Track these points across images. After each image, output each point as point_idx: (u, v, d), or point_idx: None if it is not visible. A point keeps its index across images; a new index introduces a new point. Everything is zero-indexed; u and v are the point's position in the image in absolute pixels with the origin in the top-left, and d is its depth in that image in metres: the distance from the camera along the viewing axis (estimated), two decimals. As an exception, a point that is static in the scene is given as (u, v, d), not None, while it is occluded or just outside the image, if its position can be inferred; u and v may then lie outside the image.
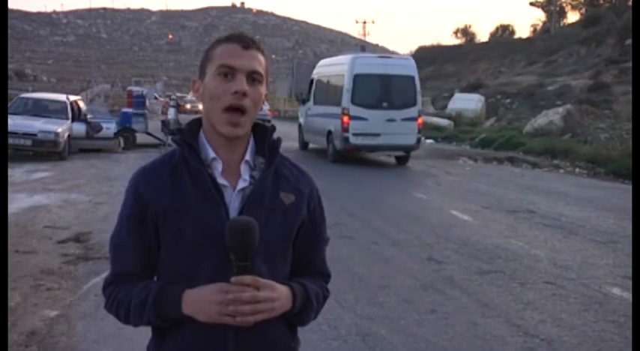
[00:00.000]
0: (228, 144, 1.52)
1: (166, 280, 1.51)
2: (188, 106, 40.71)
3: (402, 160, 15.70)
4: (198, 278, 1.45)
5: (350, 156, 15.68)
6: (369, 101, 14.86)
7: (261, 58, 1.52)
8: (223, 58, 1.48)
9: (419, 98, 15.28)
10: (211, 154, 1.52)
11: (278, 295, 1.44)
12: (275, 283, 1.45)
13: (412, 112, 14.98)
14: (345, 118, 14.79)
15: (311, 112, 17.54)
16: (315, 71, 18.33)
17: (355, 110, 14.79)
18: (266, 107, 25.41)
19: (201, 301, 1.42)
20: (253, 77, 1.49)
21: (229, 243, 1.39)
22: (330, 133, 15.64)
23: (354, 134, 14.77)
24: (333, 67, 16.80)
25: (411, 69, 15.34)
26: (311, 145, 18.14)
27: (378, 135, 14.73)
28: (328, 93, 16.35)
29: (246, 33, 1.55)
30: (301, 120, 18.61)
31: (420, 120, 15.28)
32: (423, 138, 16.50)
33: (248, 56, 1.49)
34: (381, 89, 14.99)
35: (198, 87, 1.55)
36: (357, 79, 14.82)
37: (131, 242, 1.52)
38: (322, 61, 18.62)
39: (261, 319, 1.41)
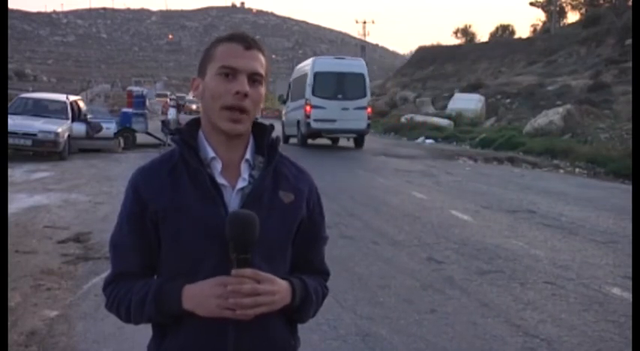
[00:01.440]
0: (228, 143, 1.52)
1: (167, 279, 1.51)
2: (194, 106, 39.56)
3: (358, 143, 18.95)
4: (198, 278, 1.45)
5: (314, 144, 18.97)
6: (327, 93, 18.04)
7: (262, 58, 1.52)
8: (225, 58, 1.48)
9: (368, 91, 18.66)
10: (210, 153, 1.52)
11: (278, 288, 1.45)
12: (275, 277, 1.45)
13: (363, 102, 18.21)
14: (308, 107, 17.96)
15: (288, 109, 20.91)
16: (292, 76, 21.74)
17: (315, 101, 17.96)
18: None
19: (201, 295, 1.42)
20: (254, 78, 1.49)
21: (230, 235, 1.39)
22: (298, 122, 18.81)
23: (315, 120, 17.95)
24: (302, 69, 20.24)
25: (362, 68, 18.75)
26: (292, 140, 20.12)
27: (334, 121, 17.89)
28: (298, 90, 19.43)
29: (247, 33, 1.56)
30: (283, 118, 21.78)
31: (369, 109, 18.56)
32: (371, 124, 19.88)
33: (249, 57, 1.49)
34: (336, 84, 18.14)
35: (198, 85, 1.55)
36: (317, 75, 18.11)
37: (131, 242, 1.53)
38: (297, 66, 22.05)
39: (260, 312, 1.41)
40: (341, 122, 17.93)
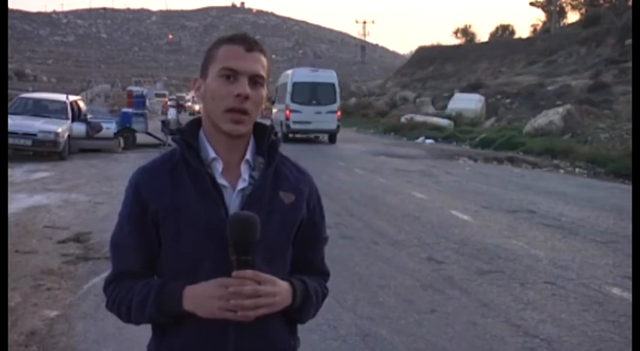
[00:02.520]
0: (229, 143, 1.52)
1: (167, 280, 1.51)
2: (197, 107, 38.61)
3: (331, 140, 22.64)
4: (199, 278, 1.45)
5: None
6: (303, 100, 21.84)
7: (263, 60, 1.52)
8: (226, 60, 1.48)
9: (338, 98, 22.76)
10: (211, 154, 1.52)
11: (279, 289, 1.45)
12: (276, 278, 1.45)
13: (333, 107, 22.19)
14: (287, 112, 21.76)
15: (275, 110, 24.45)
16: (279, 80, 25.64)
17: (293, 106, 21.80)
18: None
19: (201, 297, 1.42)
20: (255, 80, 1.49)
21: (231, 237, 1.39)
22: (281, 122, 22.05)
23: (294, 122, 21.80)
24: (284, 78, 24.07)
25: (333, 78, 22.74)
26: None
27: (309, 122, 21.87)
28: (282, 95, 23.09)
29: (249, 34, 1.55)
30: (272, 116, 24.28)
31: (339, 113, 22.66)
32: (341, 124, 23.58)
33: (251, 59, 1.49)
34: (311, 92, 21.99)
35: (200, 86, 1.55)
36: (295, 85, 22.09)
37: (132, 241, 1.53)
38: (284, 72, 25.30)
39: (262, 313, 1.41)
40: (315, 124, 21.99)
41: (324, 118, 21.70)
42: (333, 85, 22.30)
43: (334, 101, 22.24)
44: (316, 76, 22.62)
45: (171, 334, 1.50)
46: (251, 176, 1.53)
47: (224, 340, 1.47)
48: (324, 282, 1.67)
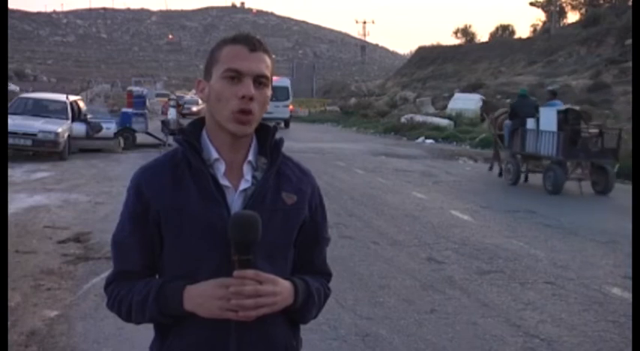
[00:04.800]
0: (232, 144, 1.52)
1: (168, 279, 1.51)
2: (194, 108, 37.21)
3: (286, 124, 31.46)
4: (200, 278, 1.45)
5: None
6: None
7: (267, 60, 1.51)
8: (230, 61, 1.47)
9: (290, 96, 33.25)
10: (214, 154, 1.51)
11: (280, 289, 1.44)
12: (277, 277, 1.45)
13: (287, 103, 32.09)
14: None
15: None
16: None
17: None
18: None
19: (202, 297, 1.42)
20: (259, 80, 1.49)
21: (232, 236, 1.39)
22: None
23: None
24: None
25: (287, 83, 33.16)
26: None
27: (271, 112, 25.68)
28: None
29: (251, 34, 1.55)
30: None
31: (290, 107, 33.99)
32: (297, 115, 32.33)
33: (255, 59, 1.48)
34: (272, 92, 28.56)
35: (204, 87, 1.54)
36: None
37: (133, 241, 1.52)
38: None
39: (263, 313, 1.41)
40: (275, 114, 29.07)
41: (281, 110, 30.91)
42: (287, 87, 32.46)
43: (287, 98, 32.41)
44: (276, 82, 28.31)
45: (173, 334, 1.50)
46: (253, 177, 1.53)
47: (225, 340, 1.46)
48: (327, 282, 1.67)
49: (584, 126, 12.27)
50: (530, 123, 12.75)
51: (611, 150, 12.16)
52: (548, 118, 12.29)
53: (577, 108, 13.60)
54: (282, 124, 31.11)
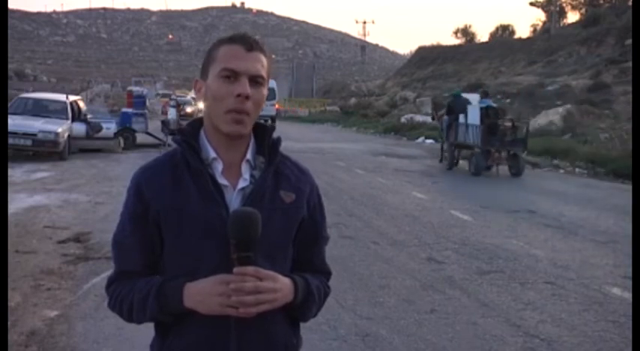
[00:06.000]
0: (229, 143, 1.52)
1: (168, 278, 1.51)
2: (188, 109, 37.56)
3: (273, 121, 29.73)
4: (199, 278, 1.45)
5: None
6: None
7: (263, 59, 1.52)
8: (226, 60, 1.48)
9: (276, 96, 35.68)
10: (212, 154, 1.52)
11: (280, 285, 1.45)
12: (277, 274, 1.45)
13: (273, 102, 33.16)
14: None
15: None
16: None
17: None
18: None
19: (202, 293, 1.42)
20: (256, 80, 1.49)
21: (232, 233, 1.39)
22: None
23: None
24: None
25: (273, 84, 32.55)
26: None
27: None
28: None
29: (248, 34, 1.55)
30: None
31: (277, 105, 36.98)
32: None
33: (251, 59, 1.49)
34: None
35: (201, 87, 1.55)
36: None
37: (134, 241, 1.53)
38: None
39: (263, 309, 1.41)
40: (263, 111, 31.66)
41: (268, 108, 32.31)
42: (273, 88, 33.47)
43: (274, 97, 34.38)
44: None
45: (173, 333, 1.50)
46: (252, 176, 1.53)
47: (226, 339, 1.47)
48: (326, 280, 1.68)
49: (500, 120, 14.87)
50: (462, 118, 15.34)
51: (521, 139, 14.83)
52: (473, 113, 15.01)
53: (495, 105, 16.13)
54: (269, 121, 34.91)
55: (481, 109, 14.90)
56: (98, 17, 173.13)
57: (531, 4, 61.67)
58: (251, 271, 1.39)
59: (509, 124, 14.94)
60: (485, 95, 16.76)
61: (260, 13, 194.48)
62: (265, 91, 1.53)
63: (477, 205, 10.20)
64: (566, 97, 27.63)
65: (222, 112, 1.48)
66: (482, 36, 72.99)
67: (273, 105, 35.84)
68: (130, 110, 19.34)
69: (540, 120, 23.19)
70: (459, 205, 10.13)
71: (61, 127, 14.95)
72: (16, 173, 11.88)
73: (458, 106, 15.81)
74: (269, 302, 1.42)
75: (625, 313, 4.90)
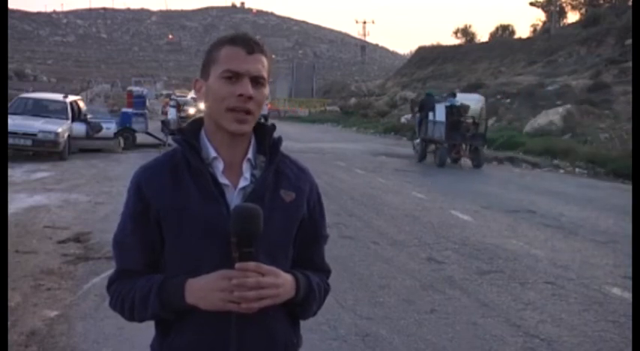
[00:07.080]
0: (230, 142, 1.53)
1: (170, 275, 1.51)
2: (191, 110, 37.50)
3: (265, 119, 31.37)
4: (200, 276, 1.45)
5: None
6: None
7: (264, 60, 1.53)
8: (228, 62, 1.49)
9: (269, 97, 35.85)
10: (212, 153, 1.52)
11: (282, 281, 1.45)
12: (279, 270, 1.46)
13: (266, 102, 34.49)
14: None
15: None
16: None
17: None
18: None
19: (204, 289, 1.42)
20: (257, 81, 1.50)
21: (234, 229, 1.39)
22: None
23: None
24: None
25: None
26: None
27: None
28: None
29: (249, 34, 1.56)
30: None
31: (269, 105, 36.85)
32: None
33: (252, 61, 1.50)
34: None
35: (201, 87, 1.55)
36: None
37: (134, 240, 1.53)
38: None
39: (265, 305, 1.42)
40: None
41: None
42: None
43: (267, 98, 39.81)
44: None
45: (174, 331, 1.50)
46: (252, 175, 1.54)
47: (226, 336, 1.47)
48: (326, 279, 1.68)
49: (462, 117, 16.48)
50: (430, 115, 17.08)
51: (481, 135, 16.73)
52: (439, 111, 16.78)
53: (458, 104, 17.17)
54: (262, 119, 38.29)
55: (446, 107, 16.57)
56: (98, 17, 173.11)
57: (531, 4, 61.67)
58: (253, 266, 1.39)
59: (470, 120, 16.74)
60: (452, 95, 18.18)
61: (260, 13, 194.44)
62: (266, 91, 1.54)
63: (477, 205, 10.20)
64: (566, 97, 27.61)
65: (223, 110, 1.48)
66: (482, 36, 72.96)
67: (266, 104, 38.22)
68: (130, 110, 19.35)
69: (540, 120, 23.19)
70: (459, 205, 10.13)
71: (61, 127, 14.95)
72: (16, 173, 11.88)
73: (428, 105, 17.49)
74: (271, 297, 1.42)
75: (625, 313, 4.90)
